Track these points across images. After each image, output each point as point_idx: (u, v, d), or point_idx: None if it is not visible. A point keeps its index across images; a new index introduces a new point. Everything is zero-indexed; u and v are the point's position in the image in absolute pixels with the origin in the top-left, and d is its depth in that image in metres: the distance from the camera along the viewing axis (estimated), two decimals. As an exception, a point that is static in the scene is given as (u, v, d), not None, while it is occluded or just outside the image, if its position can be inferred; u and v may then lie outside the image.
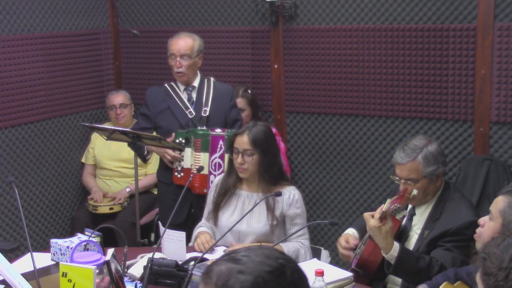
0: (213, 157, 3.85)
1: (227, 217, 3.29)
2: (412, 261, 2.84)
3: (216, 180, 3.48)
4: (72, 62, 4.82)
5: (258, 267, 1.46)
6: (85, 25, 4.93)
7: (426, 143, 3.03)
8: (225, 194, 3.33)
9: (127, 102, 4.77)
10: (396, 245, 2.85)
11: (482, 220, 2.60)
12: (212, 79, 4.08)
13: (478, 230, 2.61)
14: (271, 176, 3.25)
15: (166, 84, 4.06)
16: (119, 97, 4.76)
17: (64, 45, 4.74)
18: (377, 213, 2.87)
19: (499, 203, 2.52)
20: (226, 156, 3.65)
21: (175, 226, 3.05)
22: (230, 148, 3.28)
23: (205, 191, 3.84)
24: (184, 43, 3.94)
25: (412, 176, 2.98)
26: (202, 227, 3.38)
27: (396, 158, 3.04)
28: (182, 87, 4.02)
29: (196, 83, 4.02)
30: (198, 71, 4.04)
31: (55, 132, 4.73)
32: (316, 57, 4.46)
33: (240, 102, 4.35)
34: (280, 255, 1.52)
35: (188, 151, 3.89)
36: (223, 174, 3.49)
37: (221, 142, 3.80)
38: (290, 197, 3.24)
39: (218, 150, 3.82)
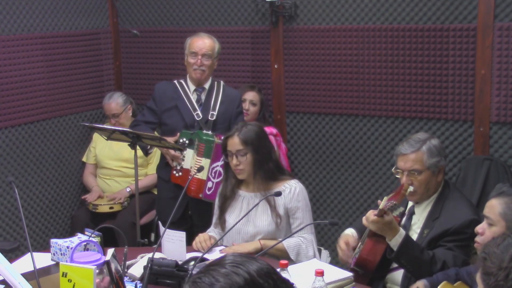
0: (214, 164, 3.83)
1: (233, 219, 3.29)
2: (415, 250, 2.85)
3: (219, 188, 3.49)
4: (72, 62, 4.81)
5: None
6: (85, 25, 4.93)
7: (428, 137, 3.09)
8: (227, 198, 3.35)
9: (119, 111, 4.73)
10: (402, 232, 2.88)
11: (480, 228, 2.57)
12: (222, 82, 4.08)
13: (479, 239, 2.58)
14: (267, 173, 3.26)
15: (175, 81, 4.04)
16: (111, 106, 4.74)
17: (64, 45, 4.74)
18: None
19: (495, 206, 2.50)
20: None
21: (170, 224, 3.05)
22: (224, 152, 3.29)
23: (200, 195, 3.84)
24: (205, 43, 3.96)
25: (416, 166, 3.00)
26: (210, 233, 3.38)
27: (400, 149, 3.06)
28: (192, 87, 4.00)
29: (207, 85, 4.02)
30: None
31: (55, 132, 4.72)
32: (316, 57, 4.46)
33: (255, 96, 4.43)
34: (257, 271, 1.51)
35: (190, 152, 3.87)
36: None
37: None
38: (291, 190, 3.25)
39: (221, 158, 3.80)
